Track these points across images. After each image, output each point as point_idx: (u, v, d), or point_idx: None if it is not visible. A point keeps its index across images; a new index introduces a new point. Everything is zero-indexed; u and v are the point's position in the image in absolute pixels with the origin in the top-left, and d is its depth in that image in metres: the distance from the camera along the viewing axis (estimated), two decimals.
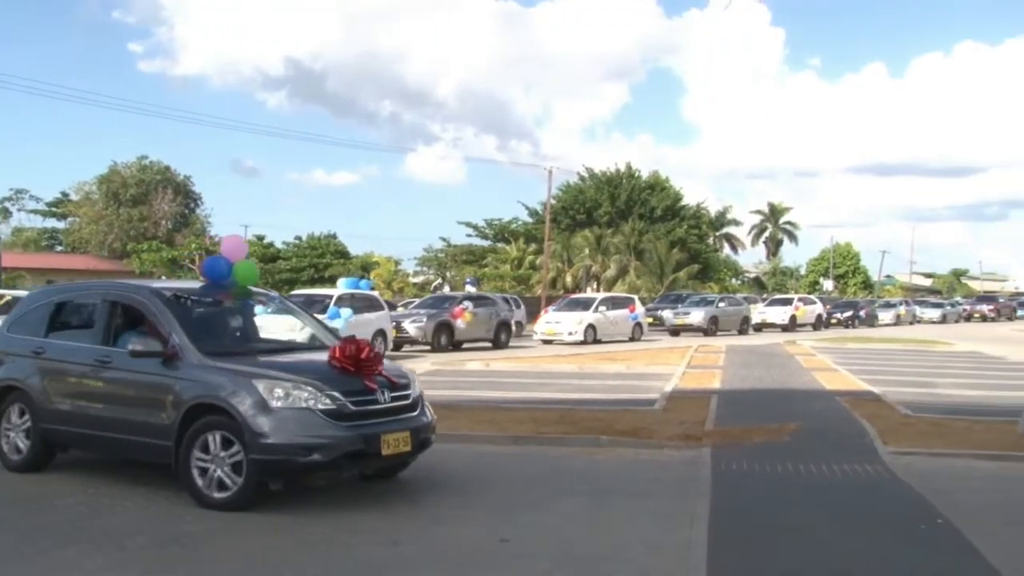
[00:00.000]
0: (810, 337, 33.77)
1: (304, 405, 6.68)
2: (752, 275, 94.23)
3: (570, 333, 28.61)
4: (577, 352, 24.53)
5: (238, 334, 8.17)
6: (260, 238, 64.40)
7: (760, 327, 39.65)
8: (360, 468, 7.25)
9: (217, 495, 6.75)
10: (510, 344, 27.84)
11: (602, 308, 30.12)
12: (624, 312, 31.00)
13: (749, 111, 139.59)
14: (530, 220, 72.23)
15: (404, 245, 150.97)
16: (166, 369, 7.02)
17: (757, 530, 6.56)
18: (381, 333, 22.83)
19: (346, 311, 21.11)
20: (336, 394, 6.79)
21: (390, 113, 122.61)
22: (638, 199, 69.75)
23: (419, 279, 64.63)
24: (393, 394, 7.18)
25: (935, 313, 54.02)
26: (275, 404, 6.63)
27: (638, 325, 31.29)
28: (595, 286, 61.18)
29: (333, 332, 8.52)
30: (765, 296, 57.72)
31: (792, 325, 39.87)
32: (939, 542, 6.25)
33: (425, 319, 25.70)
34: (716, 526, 6.51)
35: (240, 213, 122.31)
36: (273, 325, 8.89)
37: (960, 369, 19.94)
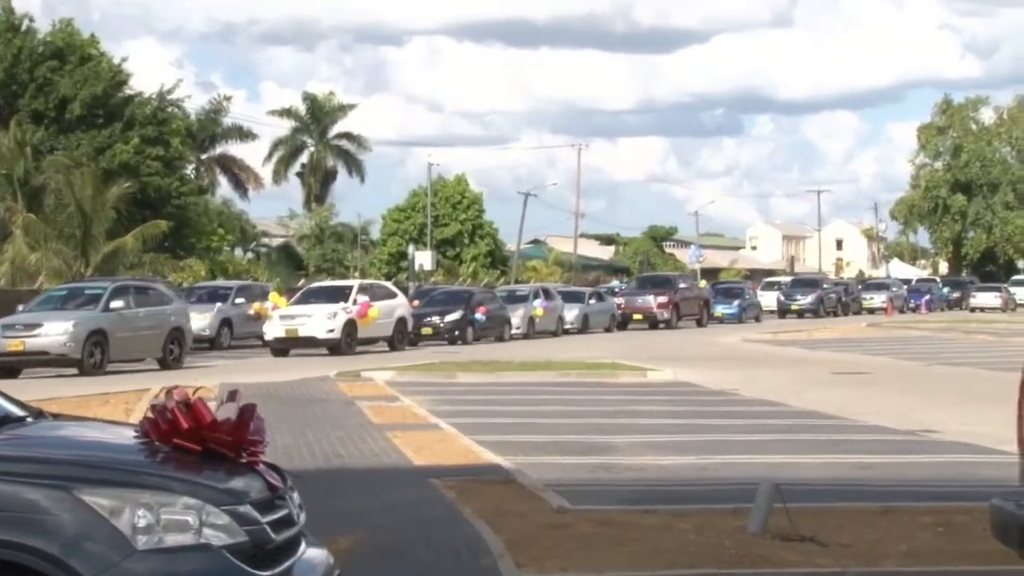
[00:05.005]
0: (387, 362, 35.69)
1: (193, 539, 6.35)
2: (278, 240, 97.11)
3: None
4: None
5: None
6: None
7: (285, 345, 41.46)
8: None
9: None
10: None
11: None
12: None
13: None
14: None
15: None
16: None
17: None
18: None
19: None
20: (244, 510, 6.57)
21: None
22: (31, 81, 68.84)
23: None
24: (296, 497, 7.30)
25: (572, 313, 60.71)
26: (142, 542, 6.22)
27: None
28: None
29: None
30: (301, 284, 59.76)
31: (350, 341, 41.95)
32: None
33: None
34: None
35: None
36: None
37: (657, 417, 22.37)
